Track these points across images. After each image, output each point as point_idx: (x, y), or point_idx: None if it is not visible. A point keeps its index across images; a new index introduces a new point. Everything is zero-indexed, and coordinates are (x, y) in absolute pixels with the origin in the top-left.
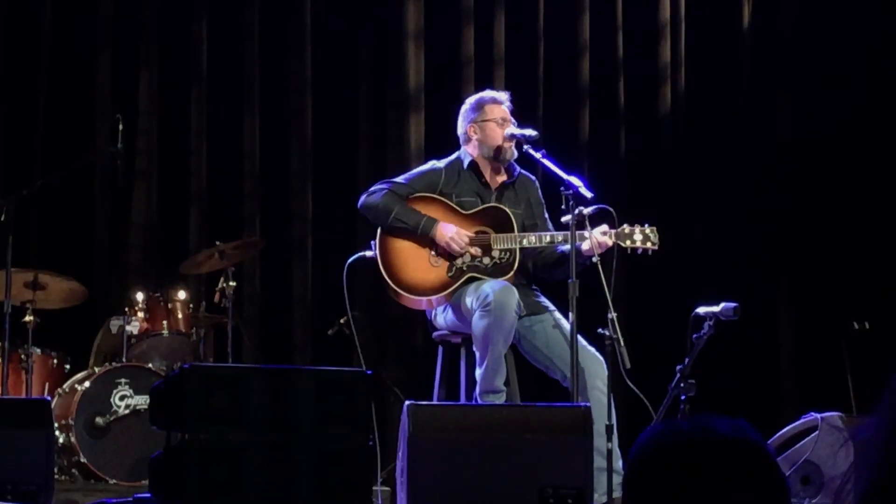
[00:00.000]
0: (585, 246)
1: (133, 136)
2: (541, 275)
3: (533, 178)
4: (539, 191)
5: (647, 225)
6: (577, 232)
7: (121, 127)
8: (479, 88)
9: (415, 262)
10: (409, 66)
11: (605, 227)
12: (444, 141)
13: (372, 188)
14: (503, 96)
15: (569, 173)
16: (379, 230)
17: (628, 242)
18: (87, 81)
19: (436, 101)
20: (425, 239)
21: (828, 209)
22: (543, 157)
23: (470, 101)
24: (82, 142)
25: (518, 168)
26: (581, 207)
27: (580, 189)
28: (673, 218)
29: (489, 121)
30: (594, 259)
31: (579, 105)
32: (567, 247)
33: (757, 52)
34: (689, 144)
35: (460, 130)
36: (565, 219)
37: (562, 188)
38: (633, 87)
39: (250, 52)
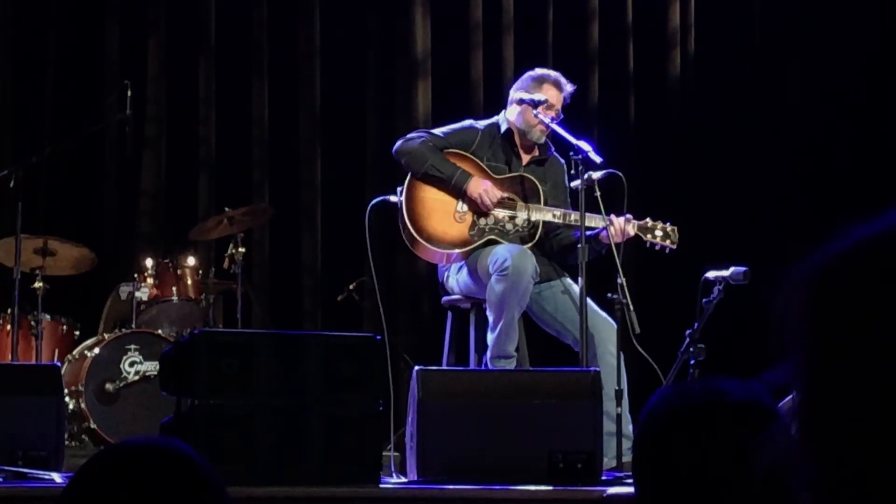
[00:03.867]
0: (609, 230)
1: (142, 103)
2: (556, 259)
3: (563, 161)
4: (566, 175)
5: (669, 224)
6: (600, 216)
7: (129, 94)
8: (486, 55)
9: (439, 215)
10: (417, 32)
11: (629, 216)
12: (452, 108)
13: (409, 135)
14: (567, 87)
15: (578, 138)
16: (409, 176)
17: (649, 236)
18: (95, 48)
19: (443, 68)
20: (455, 192)
21: (838, 172)
22: (552, 121)
23: (536, 71)
24: (91, 109)
25: (553, 149)
26: (590, 172)
27: (589, 154)
28: (682, 183)
29: (541, 105)
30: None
31: (588, 70)
32: (585, 233)
33: (767, 16)
34: (699, 109)
35: (511, 93)
36: (574, 184)
37: (571, 153)
38: (643, 52)
39: (258, 19)
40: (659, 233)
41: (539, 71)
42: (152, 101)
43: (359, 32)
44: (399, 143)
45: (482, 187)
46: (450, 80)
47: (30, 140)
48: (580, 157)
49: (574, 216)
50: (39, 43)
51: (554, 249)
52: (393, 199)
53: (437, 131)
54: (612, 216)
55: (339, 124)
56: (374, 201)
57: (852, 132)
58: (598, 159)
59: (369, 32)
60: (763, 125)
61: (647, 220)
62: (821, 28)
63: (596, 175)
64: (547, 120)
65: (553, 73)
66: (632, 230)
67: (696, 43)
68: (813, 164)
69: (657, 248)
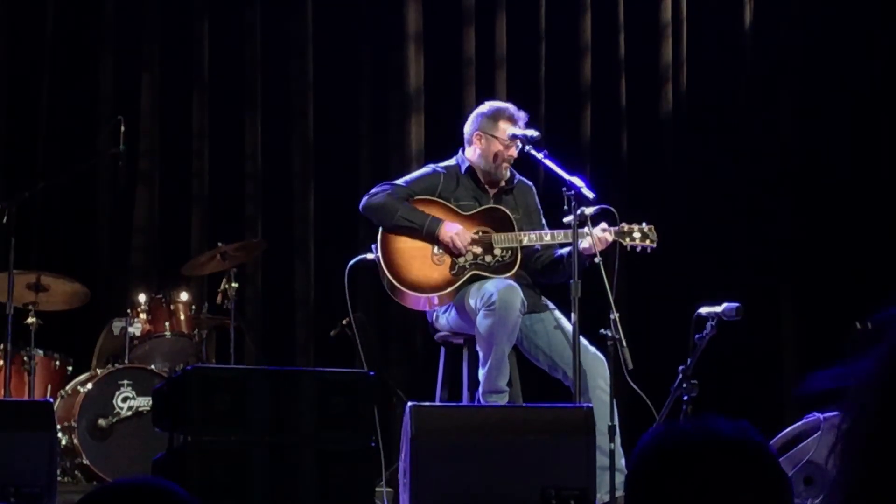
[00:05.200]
0: (585, 244)
1: (135, 138)
2: (541, 280)
3: (530, 184)
4: (536, 197)
5: (645, 224)
6: (580, 230)
7: (122, 128)
8: (479, 89)
9: (418, 262)
10: (410, 67)
11: (604, 225)
12: (445, 142)
13: (373, 190)
14: (519, 114)
15: (571, 174)
16: (380, 231)
17: (627, 240)
18: (89, 83)
19: (436, 103)
20: (429, 237)
21: (830, 209)
22: (545, 157)
23: (487, 106)
24: (84, 143)
25: (517, 175)
26: (583, 208)
27: (582, 189)
28: (675, 218)
29: (497, 138)
30: (596, 259)
31: (581, 105)
32: (565, 250)
33: (758, 53)
34: (691, 144)
35: (467, 131)
36: (567, 219)
37: (564, 188)
38: (635, 88)
39: (252, 54)
40: (637, 234)
41: (490, 106)
42: (145, 136)
43: (352, 67)
44: (364, 199)
45: (452, 232)
46: (443, 114)
47: (23, 175)
48: (573, 192)
49: (548, 236)
50: (33, 77)
51: (539, 270)
52: (370, 256)
53: (400, 181)
54: (587, 228)
55: (332, 159)
56: (351, 262)
57: (846, 167)
58: (590, 195)
59: (363, 67)
60: (755, 160)
61: (623, 224)
62: (812, 63)
63: (588, 210)
64: (522, 132)
65: (503, 107)
66: (609, 237)
67: (687, 78)
68: (806, 199)
69: (638, 249)
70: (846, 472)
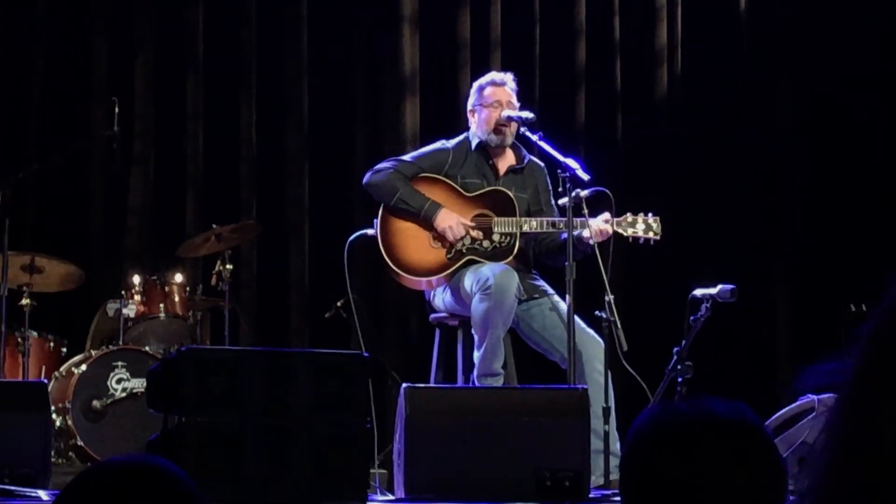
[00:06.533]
0: (586, 233)
1: (130, 120)
2: (545, 261)
3: (542, 165)
4: (547, 178)
5: (650, 215)
6: (579, 219)
7: (117, 111)
8: (474, 72)
9: (415, 243)
10: (405, 50)
11: (606, 216)
12: (440, 125)
13: (378, 165)
14: (505, 77)
15: (565, 156)
16: (381, 208)
17: (630, 231)
18: (83, 65)
19: (431, 85)
20: (425, 223)
21: (825, 191)
22: (540, 139)
23: (476, 83)
24: (78, 125)
25: (528, 154)
26: (578, 190)
27: (577, 171)
28: (670, 200)
29: (486, 106)
30: (591, 242)
31: (576, 88)
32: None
33: (754, 35)
34: (686, 127)
35: (468, 113)
36: (562, 201)
37: (559, 171)
38: (630, 70)
39: (246, 37)
40: (641, 226)
41: (476, 83)
42: (140, 118)
43: (347, 50)
44: (367, 175)
45: (448, 222)
46: (438, 97)
47: (17, 157)
48: (567, 174)
49: (547, 223)
50: (27, 59)
51: (542, 253)
52: (370, 232)
53: (407, 157)
54: (588, 219)
55: (327, 141)
56: (352, 237)
57: (841, 149)
58: (585, 177)
59: (357, 50)
60: (750, 142)
61: (627, 214)
62: (809, 45)
63: (583, 193)
64: (517, 114)
65: (487, 76)
66: (609, 228)
67: (682, 61)
68: (801, 181)
69: (640, 241)
70: (837, 430)
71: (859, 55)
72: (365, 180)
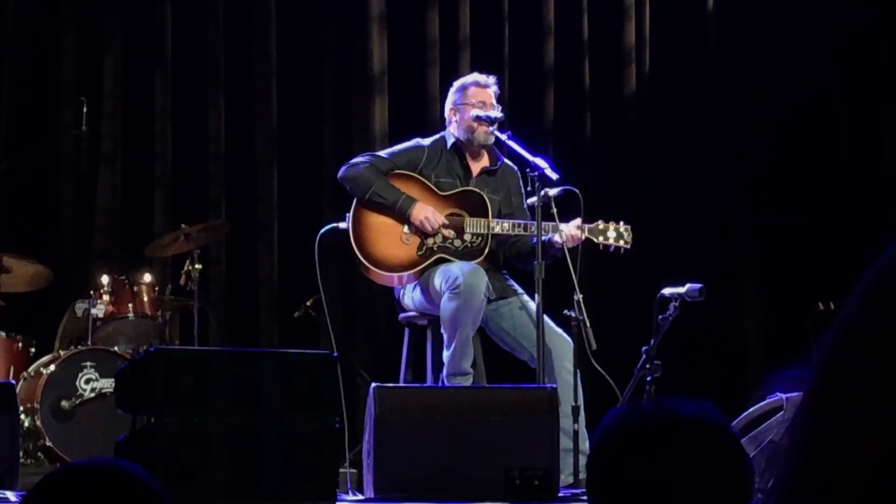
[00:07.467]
0: (557, 238)
1: (98, 119)
2: (516, 264)
3: (516, 168)
4: (520, 181)
5: (622, 223)
6: (551, 223)
7: (85, 110)
8: (443, 71)
9: (386, 238)
10: (374, 48)
11: (578, 221)
12: (409, 123)
13: (353, 160)
14: (489, 80)
15: (535, 155)
16: (354, 202)
17: (600, 238)
18: (51, 64)
19: (400, 84)
20: (400, 216)
21: (792, 190)
22: (509, 138)
23: (457, 83)
24: (46, 125)
25: (502, 157)
26: (547, 189)
27: (546, 171)
28: (638, 199)
29: (467, 105)
30: (559, 246)
31: (545, 87)
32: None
33: (721, 34)
34: (654, 126)
35: (445, 111)
36: (531, 200)
37: (528, 170)
38: (599, 69)
39: (214, 35)
40: (612, 234)
41: (458, 82)
42: (108, 117)
43: (316, 48)
44: (343, 168)
45: (424, 214)
46: (407, 96)
47: None
48: (536, 173)
49: (519, 226)
50: None
51: (513, 256)
52: (342, 225)
53: (383, 153)
54: (560, 224)
55: (295, 140)
56: (323, 230)
57: (807, 148)
58: (554, 176)
59: (326, 48)
60: (718, 141)
61: (599, 222)
62: (775, 45)
63: (552, 191)
64: (486, 113)
65: (470, 76)
66: (581, 235)
67: (651, 59)
68: (768, 180)
69: (611, 249)
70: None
71: (825, 54)
72: (340, 174)
